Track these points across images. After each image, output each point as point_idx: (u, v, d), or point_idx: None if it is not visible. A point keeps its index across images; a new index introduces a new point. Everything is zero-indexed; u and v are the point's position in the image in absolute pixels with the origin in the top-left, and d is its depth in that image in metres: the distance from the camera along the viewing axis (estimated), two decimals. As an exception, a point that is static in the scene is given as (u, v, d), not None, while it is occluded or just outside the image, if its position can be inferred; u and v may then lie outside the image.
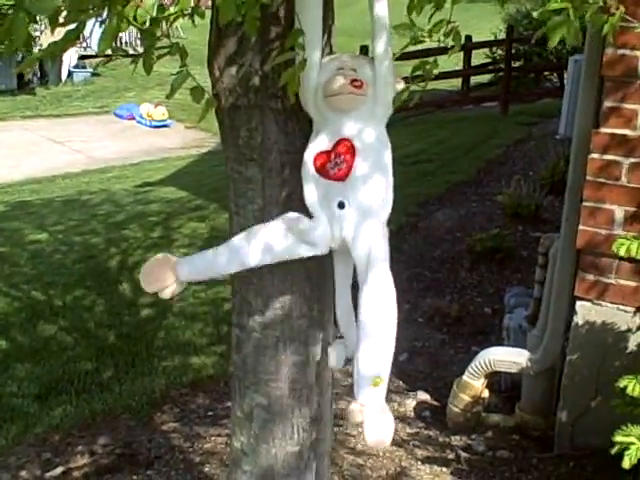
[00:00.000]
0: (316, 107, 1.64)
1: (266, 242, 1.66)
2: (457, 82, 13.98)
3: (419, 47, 1.57)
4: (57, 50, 1.28)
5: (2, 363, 4.39)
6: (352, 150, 1.62)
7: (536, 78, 14.20)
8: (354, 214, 1.63)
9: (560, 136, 8.32)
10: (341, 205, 1.63)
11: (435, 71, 1.47)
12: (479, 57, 14.61)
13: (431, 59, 1.41)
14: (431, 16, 1.39)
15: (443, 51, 1.67)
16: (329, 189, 1.64)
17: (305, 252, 1.67)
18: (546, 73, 14.38)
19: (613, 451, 2.05)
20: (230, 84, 1.62)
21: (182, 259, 1.78)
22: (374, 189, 1.64)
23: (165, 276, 1.74)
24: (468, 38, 12.33)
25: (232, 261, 1.70)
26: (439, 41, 1.38)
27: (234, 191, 1.74)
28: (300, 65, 1.47)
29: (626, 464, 1.99)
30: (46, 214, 7.99)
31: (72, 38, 1.22)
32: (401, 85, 1.65)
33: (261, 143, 1.66)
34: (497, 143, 8.99)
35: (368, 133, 1.63)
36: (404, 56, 1.76)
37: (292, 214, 1.68)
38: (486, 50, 14.37)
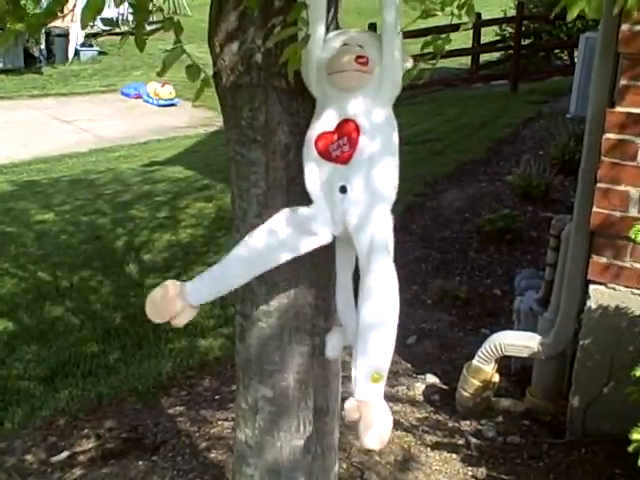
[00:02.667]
0: (319, 85, 1.56)
1: (269, 243, 1.58)
2: (466, 60, 13.83)
3: (429, 24, 1.49)
4: (37, 23, 1.21)
5: (8, 345, 4.37)
6: (356, 131, 1.53)
7: (546, 56, 14.01)
8: (357, 199, 1.54)
9: (571, 115, 8.23)
10: (343, 189, 1.55)
11: (447, 47, 1.39)
12: (489, 35, 14.43)
13: (443, 35, 1.33)
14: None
15: (453, 29, 1.59)
16: (331, 172, 1.56)
17: (309, 244, 1.59)
18: (556, 51, 14.20)
19: (630, 449, 1.99)
20: (231, 62, 1.55)
21: (189, 283, 1.69)
22: (379, 173, 1.55)
23: (174, 304, 1.66)
24: (477, 15, 12.14)
25: (241, 272, 1.63)
26: (452, 14, 1.30)
27: (236, 174, 1.67)
28: (303, 41, 1.39)
29: (643, 463, 1.93)
30: (53, 194, 7.96)
31: (54, 10, 1.15)
32: (409, 63, 1.57)
33: (264, 124, 1.59)
34: (506, 122, 8.89)
35: (374, 113, 1.55)
36: (412, 34, 1.68)
37: (287, 209, 1.60)
38: (495, 28, 14.19)
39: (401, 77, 1.56)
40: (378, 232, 1.55)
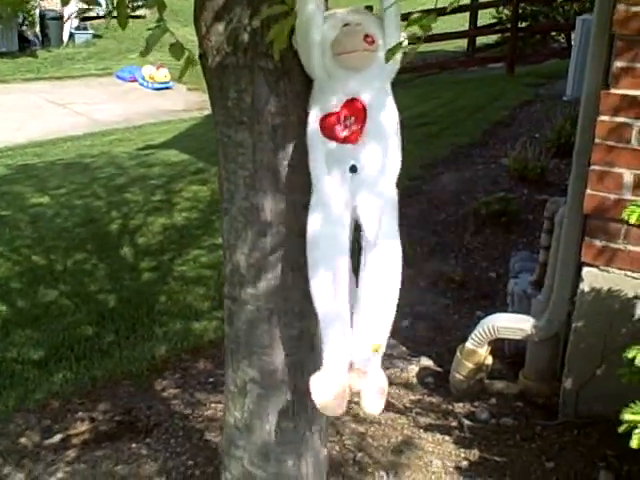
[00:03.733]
0: (323, 66, 1.54)
1: (331, 254, 1.59)
2: (462, 43, 13.78)
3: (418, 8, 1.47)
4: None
5: (3, 328, 4.37)
6: (363, 110, 1.53)
7: (543, 39, 13.96)
8: (367, 177, 1.55)
9: (567, 97, 8.20)
10: (353, 169, 1.54)
11: (434, 26, 1.36)
12: (485, 17, 14.36)
13: (430, 15, 1.31)
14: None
15: (441, 11, 1.57)
16: (339, 152, 1.55)
17: (346, 231, 1.59)
18: (553, 33, 14.13)
19: (621, 429, 1.99)
20: (217, 42, 1.53)
21: (325, 364, 1.62)
22: (387, 151, 1.56)
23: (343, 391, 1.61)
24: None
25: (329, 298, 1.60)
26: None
27: (224, 156, 1.66)
28: (288, 20, 1.37)
29: (634, 444, 1.94)
30: (48, 177, 7.93)
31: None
32: (404, 38, 1.56)
33: (251, 105, 1.57)
34: (503, 105, 8.86)
35: (379, 91, 1.55)
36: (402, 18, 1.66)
37: (312, 214, 1.59)
38: (492, 10, 14.11)
39: (400, 54, 1.55)
40: (387, 209, 1.57)
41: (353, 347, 1.60)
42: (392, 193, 1.60)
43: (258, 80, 1.56)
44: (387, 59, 1.39)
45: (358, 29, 1.52)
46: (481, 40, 14.28)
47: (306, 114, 1.57)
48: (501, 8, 13.76)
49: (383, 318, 1.59)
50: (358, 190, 1.56)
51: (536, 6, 13.35)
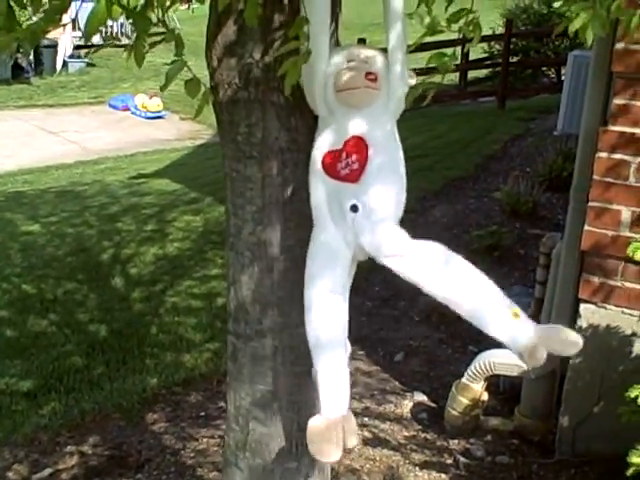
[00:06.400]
0: (325, 102, 1.53)
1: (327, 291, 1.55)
2: (454, 76, 13.89)
3: (429, 39, 1.47)
4: (39, 30, 1.17)
5: (-9, 358, 4.30)
6: (365, 149, 1.50)
7: (533, 73, 14.10)
8: (368, 218, 1.52)
9: (558, 132, 8.26)
10: (354, 208, 1.52)
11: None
12: (476, 51, 14.52)
13: (449, 51, 1.31)
14: (448, 5, 1.30)
15: (453, 43, 1.58)
16: (340, 192, 1.52)
17: (340, 271, 1.56)
18: (544, 68, 14.29)
19: (629, 472, 1.96)
20: (229, 76, 1.52)
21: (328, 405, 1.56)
22: (389, 190, 1.53)
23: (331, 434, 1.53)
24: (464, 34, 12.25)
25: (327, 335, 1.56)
26: (459, 31, 1.28)
27: (232, 190, 1.64)
28: (303, 55, 1.36)
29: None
30: (39, 205, 7.89)
31: (54, 18, 1.12)
32: (413, 80, 1.55)
33: (261, 140, 1.56)
34: (494, 138, 8.92)
35: (381, 130, 1.53)
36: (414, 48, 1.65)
37: (311, 248, 1.57)
38: (484, 45, 14.27)
39: (405, 93, 1.54)
40: (398, 245, 1.55)
41: (508, 338, 1.57)
42: (397, 230, 1.58)
43: (269, 115, 1.55)
44: (407, 103, 1.38)
45: (361, 66, 1.50)
46: (473, 74, 14.41)
47: None
48: (492, 43, 13.92)
49: (494, 290, 1.56)
50: (362, 231, 1.53)
51: (527, 41, 13.51)
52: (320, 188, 1.54)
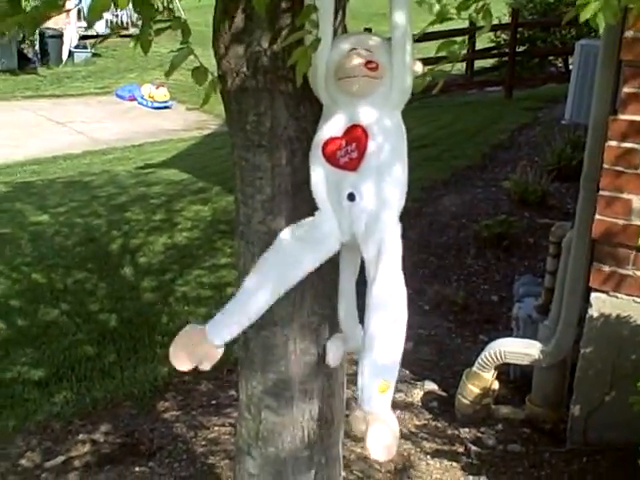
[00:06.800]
0: (327, 90, 1.52)
1: (281, 263, 1.55)
2: (461, 66, 13.83)
3: (435, 29, 1.46)
4: (39, 16, 1.17)
5: (2, 348, 4.33)
6: (365, 138, 1.48)
7: (541, 63, 14.03)
8: (365, 207, 1.50)
9: (566, 121, 8.22)
10: (351, 197, 1.50)
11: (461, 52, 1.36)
12: (483, 41, 14.45)
13: (459, 39, 1.30)
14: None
15: (461, 32, 1.57)
16: (339, 179, 1.51)
17: (320, 256, 1.56)
18: (551, 58, 14.22)
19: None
20: (237, 65, 1.51)
21: (208, 324, 1.61)
22: (388, 180, 1.50)
23: (198, 349, 1.59)
24: (472, 22, 12.20)
25: (258, 299, 1.57)
26: (469, 18, 1.27)
27: (241, 179, 1.63)
28: (313, 44, 1.35)
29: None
30: (48, 195, 7.92)
31: (56, 3, 1.12)
32: (419, 67, 1.54)
33: (270, 129, 1.55)
34: (502, 128, 8.89)
35: (383, 120, 1.50)
36: (422, 37, 1.64)
37: (289, 227, 1.57)
38: (490, 34, 14.19)
39: (411, 82, 1.53)
40: (387, 240, 1.51)
41: (359, 380, 1.51)
42: (394, 226, 1.54)
43: (278, 104, 1.54)
44: (416, 89, 1.37)
45: (362, 54, 1.49)
46: (479, 63, 14.35)
47: None
48: (499, 32, 13.85)
49: (388, 356, 1.50)
50: (357, 220, 1.52)
51: (534, 30, 13.43)
52: (320, 174, 1.53)
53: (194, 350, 1.60)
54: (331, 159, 1.52)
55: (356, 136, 1.50)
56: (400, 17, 1.46)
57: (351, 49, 1.50)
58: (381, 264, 1.50)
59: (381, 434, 1.47)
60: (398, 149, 1.54)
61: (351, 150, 1.50)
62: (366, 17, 17.05)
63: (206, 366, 1.60)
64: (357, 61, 1.48)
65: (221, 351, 1.61)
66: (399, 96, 1.54)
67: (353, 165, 1.50)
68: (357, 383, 1.52)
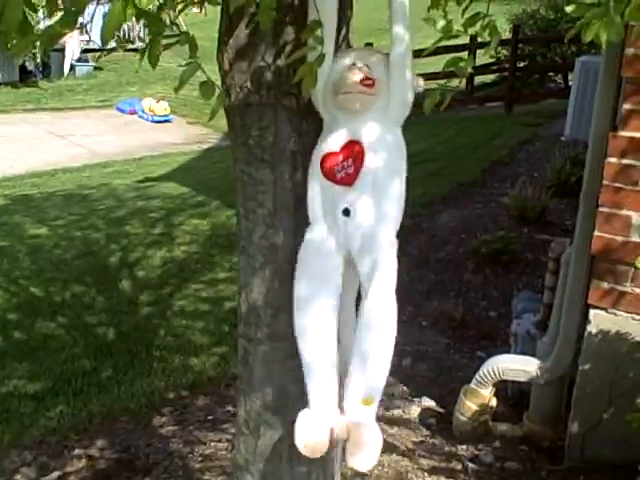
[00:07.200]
0: (325, 105, 1.54)
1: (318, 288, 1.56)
2: (461, 81, 13.86)
3: (441, 44, 1.46)
4: (55, 34, 1.17)
5: (-1, 361, 4.31)
6: (361, 153, 1.49)
7: (541, 79, 14.09)
8: (360, 223, 1.51)
9: (566, 137, 8.25)
10: (346, 212, 1.51)
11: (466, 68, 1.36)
12: (483, 57, 14.51)
13: (464, 54, 1.31)
14: (464, 10, 1.30)
15: (462, 49, 1.58)
16: (335, 194, 1.52)
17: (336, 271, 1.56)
18: (550, 74, 14.28)
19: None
20: (241, 80, 1.52)
21: (313, 406, 1.57)
22: (384, 196, 1.51)
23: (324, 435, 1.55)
24: (473, 38, 12.25)
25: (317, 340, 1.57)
26: (476, 34, 1.28)
27: (243, 194, 1.64)
28: (318, 59, 1.36)
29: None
30: (47, 208, 7.92)
31: (70, 22, 1.12)
32: (421, 82, 1.55)
33: (273, 143, 1.56)
34: (502, 144, 8.91)
35: (380, 135, 1.51)
36: (418, 53, 1.64)
37: (303, 248, 1.57)
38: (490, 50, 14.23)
39: (412, 97, 1.53)
40: (381, 258, 1.51)
41: (346, 396, 1.54)
42: (389, 244, 1.53)
43: (281, 118, 1.55)
44: (426, 108, 1.38)
45: (359, 70, 1.50)
46: (479, 79, 14.40)
47: None
48: (499, 48, 13.90)
49: (375, 372, 1.52)
50: (352, 236, 1.52)
51: (534, 46, 13.49)
52: (317, 189, 1.54)
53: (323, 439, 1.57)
54: (329, 174, 1.53)
55: (353, 151, 1.50)
56: (400, 33, 1.48)
57: (351, 64, 1.51)
58: (374, 281, 1.51)
59: (362, 444, 1.49)
60: (396, 165, 1.54)
61: (347, 165, 1.51)
62: (367, 32, 17.12)
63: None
64: (353, 77, 1.49)
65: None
66: (398, 111, 1.55)
67: (349, 180, 1.51)
68: (344, 393, 1.54)
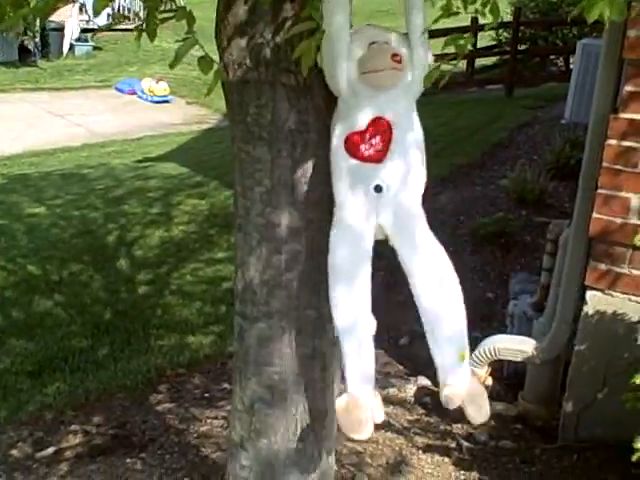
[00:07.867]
0: (349, 83, 1.52)
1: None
2: (462, 64, 13.81)
3: (438, 26, 1.47)
4: (47, 7, 1.17)
5: (-4, 338, 4.32)
6: (389, 129, 1.51)
7: (541, 62, 14.03)
8: (393, 197, 1.54)
9: (566, 120, 8.23)
10: (378, 188, 1.53)
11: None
12: (485, 39, 14.44)
13: (465, 35, 1.30)
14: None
15: (463, 30, 1.58)
16: (364, 172, 1.53)
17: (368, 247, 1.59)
18: (552, 57, 14.22)
19: (634, 458, 1.96)
20: (239, 57, 1.51)
21: (349, 382, 1.63)
22: (412, 170, 1.54)
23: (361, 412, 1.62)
24: (474, 20, 12.20)
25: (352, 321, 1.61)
26: (476, 11, 1.27)
27: (240, 172, 1.63)
28: (317, 36, 1.35)
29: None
30: (44, 187, 7.90)
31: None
32: (431, 59, 1.55)
33: (271, 121, 1.56)
34: (502, 126, 8.87)
35: (404, 110, 1.54)
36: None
37: (334, 230, 1.59)
38: (492, 32, 14.18)
39: (423, 75, 1.54)
40: (420, 226, 1.58)
41: (438, 360, 1.63)
42: (419, 210, 1.60)
43: (279, 96, 1.54)
44: (426, 83, 1.39)
45: (385, 47, 1.51)
46: (480, 62, 14.34)
47: (327, 130, 1.55)
48: (500, 31, 13.84)
49: (457, 326, 1.61)
50: (385, 209, 1.55)
51: (535, 29, 13.42)
52: (342, 168, 1.54)
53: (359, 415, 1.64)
54: (355, 152, 1.53)
55: (381, 128, 1.52)
56: (418, 10, 1.49)
57: (371, 42, 1.51)
58: (422, 247, 1.58)
59: (475, 399, 1.64)
60: (418, 138, 1.58)
61: (376, 142, 1.52)
62: (366, 14, 17.03)
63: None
64: (383, 55, 1.50)
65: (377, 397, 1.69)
66: (417, 86, 1.57)
67: (378, 157, 1.52)
68: (435, 361, 1.64)
